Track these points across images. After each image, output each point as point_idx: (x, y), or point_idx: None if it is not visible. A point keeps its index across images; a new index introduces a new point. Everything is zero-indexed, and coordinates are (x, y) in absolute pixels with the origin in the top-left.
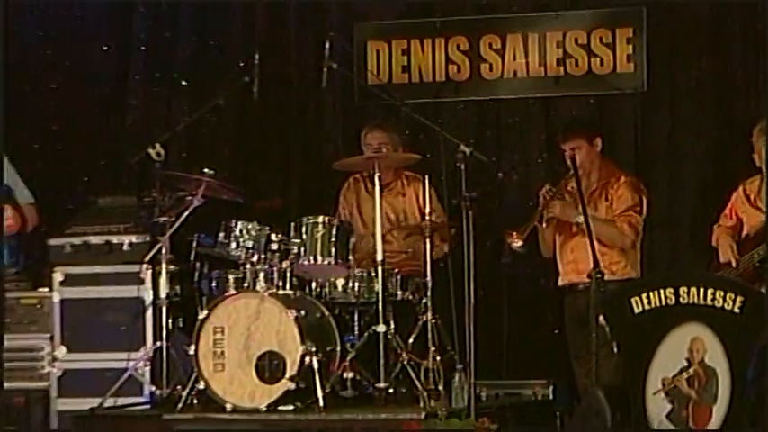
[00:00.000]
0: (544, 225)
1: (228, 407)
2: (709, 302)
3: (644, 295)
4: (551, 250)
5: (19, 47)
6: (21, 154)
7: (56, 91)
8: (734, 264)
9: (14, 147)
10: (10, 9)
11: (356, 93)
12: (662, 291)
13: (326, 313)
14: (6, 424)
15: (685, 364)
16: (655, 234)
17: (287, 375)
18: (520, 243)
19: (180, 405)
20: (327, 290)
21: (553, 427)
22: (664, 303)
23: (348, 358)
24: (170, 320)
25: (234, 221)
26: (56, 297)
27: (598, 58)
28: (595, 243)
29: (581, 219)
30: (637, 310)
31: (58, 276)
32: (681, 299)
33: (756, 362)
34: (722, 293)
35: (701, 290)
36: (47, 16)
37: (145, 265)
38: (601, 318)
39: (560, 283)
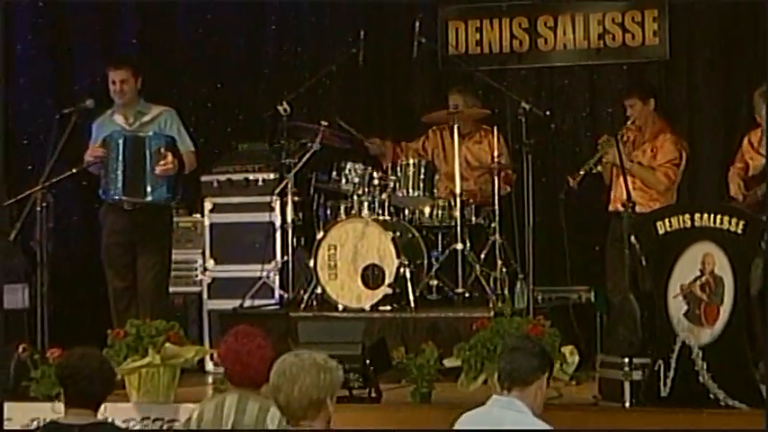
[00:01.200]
0: (599, 168)
1: (340, 307)
2: (718, 225)
3: (666, 220)
4: (609, 180)
5: (182, 32)
6: (183, 110)
7: (206, 63)
8: (741, 198)
9: (180, 105)
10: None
11: (440, 61)
12: (681, 216)
13: (416, 234)
14: (168, 320)
15: (699, 273)
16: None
17: (386, 283)
18: (575, 184)
19: (302, 305)
20: (417, 216)
21: (593, 323)
22: (682, 226)
23: (433, 270)
24: (294, 240)
25: (344, 162)
26: (206, 221)
27: (630, 34)
28: (638, 182)
29: (628, 164)
30: (661, 232)
31: (208, 205)
32: (695, 223)
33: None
34: (728, 218)
35: (712, 215)
36: (197, 6)
37: (275, 197)
38: (633, 238)
39: (609, 209)
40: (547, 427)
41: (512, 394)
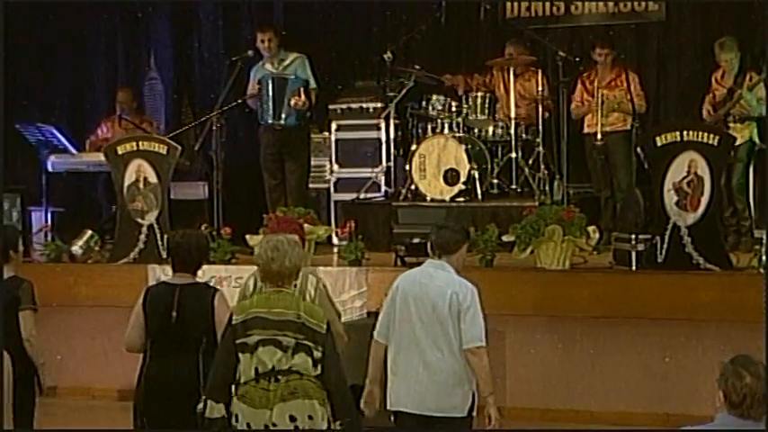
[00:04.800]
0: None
1: (428, 198)
2: (700, 139)
3: (663, 135)
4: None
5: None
6: (316, 56)
7: (333, 22)
8: (709, 119)
9: (314, 53)
10: None
11: (500, 21)
12: (673, 132)
13: (483, 146)
14: (306, 207)
15: (686, 174)
16: (668, 102)
17: (461, 181)
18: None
19: (401, 197)
20: (483, 133)
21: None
22: (674, 140)
23: (495, 172)
24: (395, 151)
25: (431, 95)
26: (333, 137)
27: (638, 2)
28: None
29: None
30: (659, 144)
31: (334, 126)
32: (684, 137)
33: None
34: (707, 134)
35: (696, 132)
36: None
37: (381, 120)
38: (639, 149)
39: (585, 131)
40: (467, 282)
41: (442, 259)
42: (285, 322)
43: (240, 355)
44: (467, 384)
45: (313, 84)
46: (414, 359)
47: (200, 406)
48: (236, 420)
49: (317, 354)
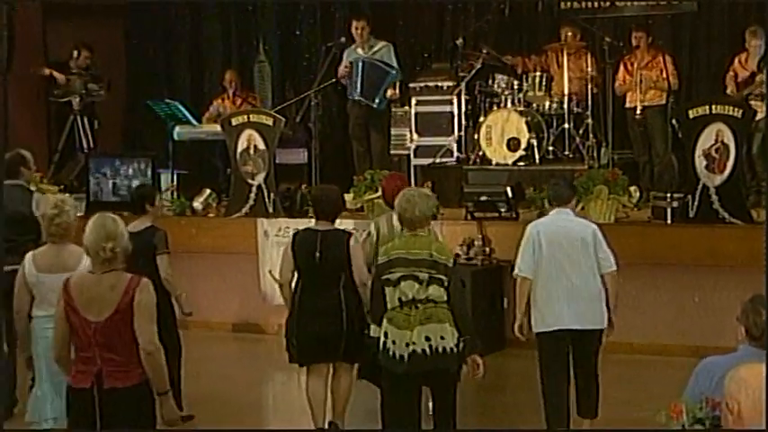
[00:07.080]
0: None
1: (493, 162)
2: (726, 112)
3: (694, 108)
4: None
5: None
6: (398, 43)
7: (413, 15)
8: (732, 95)
9: (397, 39)
10: None
11: (554, 12)
12: (704, 106)
13: (540, 118)
14: (390, 170)
15: (714, 142)
16: (700, 82)
17: (521, 148)
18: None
19: (470, 162)
20: (540, 107)
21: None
22: (704, 113)
23: (550, 140)
24: (465, 122)
25: (496, 74)
26: (413, 111)
27: None
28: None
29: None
30: (691, 116)
31: (413, 101)
32: (713, 110)
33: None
34: (732, 108)
35: (723, 105)
36: None
37: (453, 96)
38: (674, 120)
39: (627, 106)
40: (589, 222)
41: (560, 208)
42: (420, 260)
43: (385, 288)
44: (604, 301)
45: (399, 75)
46: (567, 285)
47: (367, 330)
48: (387, 337)
49: (447, 283)
